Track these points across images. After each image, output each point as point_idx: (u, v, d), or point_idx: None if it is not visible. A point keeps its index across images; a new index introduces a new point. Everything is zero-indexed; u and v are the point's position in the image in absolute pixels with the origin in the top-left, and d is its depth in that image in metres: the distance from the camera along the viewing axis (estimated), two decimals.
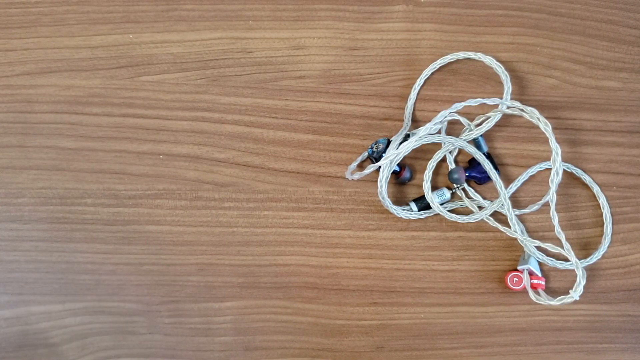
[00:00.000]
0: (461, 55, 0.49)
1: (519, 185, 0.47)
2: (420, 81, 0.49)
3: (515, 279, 0.45)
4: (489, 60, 0.49)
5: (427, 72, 0.49)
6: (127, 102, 0.48)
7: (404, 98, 0.49)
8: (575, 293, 0.42)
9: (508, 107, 0.45)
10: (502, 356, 0.45)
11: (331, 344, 0.44)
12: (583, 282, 0.42)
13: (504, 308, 0.45)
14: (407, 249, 0.46)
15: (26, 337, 0.44)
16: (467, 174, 0.46)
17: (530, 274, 0.45)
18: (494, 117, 0.47)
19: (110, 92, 0.48)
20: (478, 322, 0.45)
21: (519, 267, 0.46)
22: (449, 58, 0.49)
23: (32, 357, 0.43)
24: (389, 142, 0.46)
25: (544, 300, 0.44)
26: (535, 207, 0.47)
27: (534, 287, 0.45)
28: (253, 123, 0.48)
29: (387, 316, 0.45)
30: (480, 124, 0.47)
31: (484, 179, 0.47)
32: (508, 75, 0.48)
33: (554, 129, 0.48)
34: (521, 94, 0.49)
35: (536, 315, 0.46)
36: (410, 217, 0.46)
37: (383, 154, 0.45)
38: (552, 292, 0.46)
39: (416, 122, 0.48)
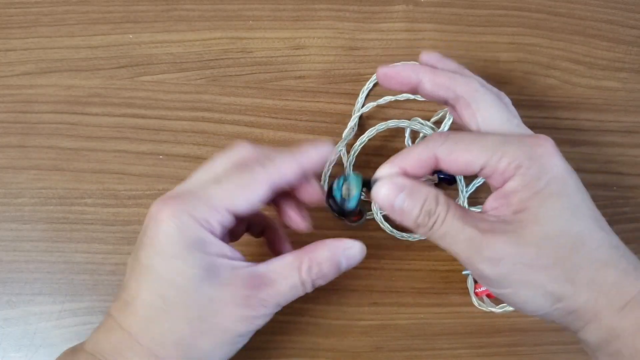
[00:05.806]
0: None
1: (478, 184, 0.46)
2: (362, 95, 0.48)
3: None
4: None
5: (369, 84, 0.49)
6: (127, 102, 0.48)
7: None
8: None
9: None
10: (502, 356, 0.45)
11: (330, 344, 0.44)
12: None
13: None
14: (407, 249, 0.46)
15: (26, 337, 0.44)
16: (439, 176, 0.45)
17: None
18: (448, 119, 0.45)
19: (110, 92, 0.48)
20: (478, 322, 0.45)
21: (464, 272, 0.45)
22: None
23: (32, 357, 0.43)
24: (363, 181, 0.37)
25: (486, 307, 0.43)
26: None
27: (478, 295, 0.44)
28: (253, 123, 0.48)
29: (387, 316, 0.45)
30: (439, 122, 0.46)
31: (454, 179, 0.45)
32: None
33: (554, 128, 0.49)
34: (520, 94, 0.49)
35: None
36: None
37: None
38: None
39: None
